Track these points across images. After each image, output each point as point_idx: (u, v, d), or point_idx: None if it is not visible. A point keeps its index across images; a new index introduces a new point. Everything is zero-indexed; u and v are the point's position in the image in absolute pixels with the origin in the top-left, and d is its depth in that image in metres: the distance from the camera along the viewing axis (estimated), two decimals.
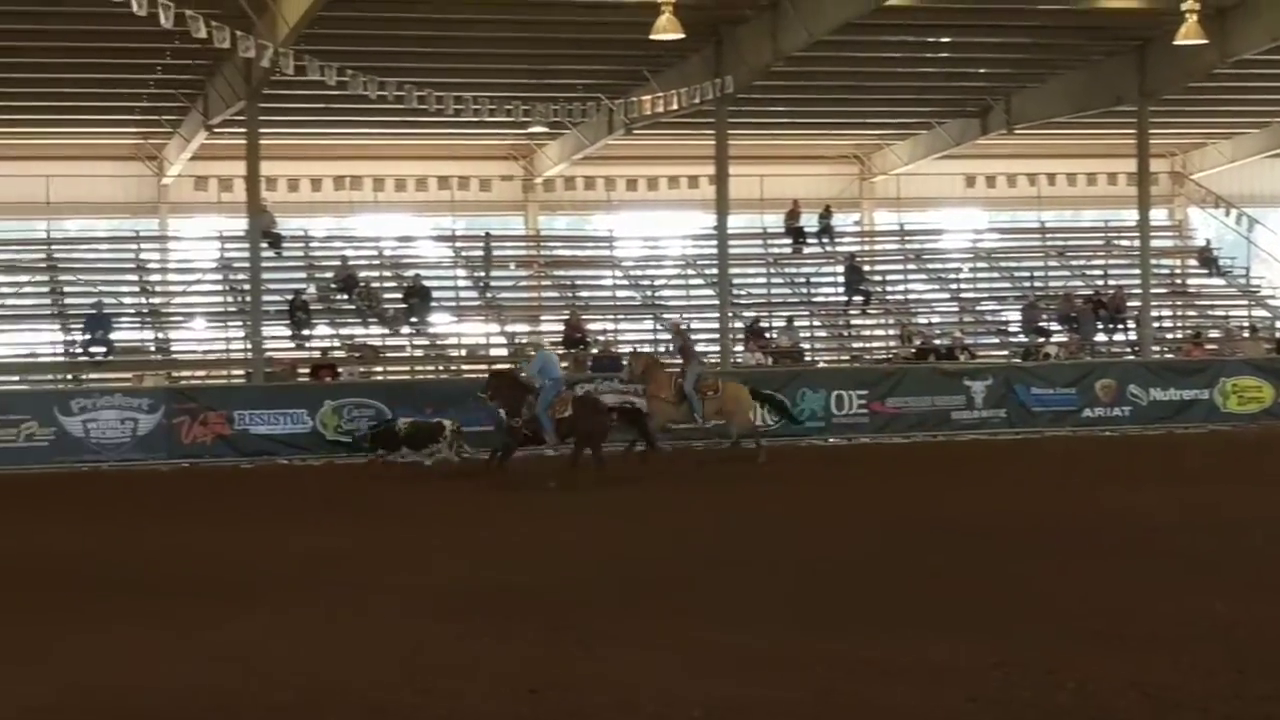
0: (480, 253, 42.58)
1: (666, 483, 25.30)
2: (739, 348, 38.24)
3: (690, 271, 43.27)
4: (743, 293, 41.55)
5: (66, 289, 39.07)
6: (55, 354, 37.14)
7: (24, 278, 39.72)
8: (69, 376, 35.60)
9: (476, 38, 34.86)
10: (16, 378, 36.16)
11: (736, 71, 33.88)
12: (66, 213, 42.95)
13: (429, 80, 30.46)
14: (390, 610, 13.87)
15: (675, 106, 33.46)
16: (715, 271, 38.15)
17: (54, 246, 41.49)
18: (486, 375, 28.41)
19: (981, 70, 40.37)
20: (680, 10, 29.08)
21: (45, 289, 39.45)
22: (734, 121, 36.81)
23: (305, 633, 12.93)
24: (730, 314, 37.57)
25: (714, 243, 38.07)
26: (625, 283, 43.28)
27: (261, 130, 34.14)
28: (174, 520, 21.73)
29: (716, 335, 37.19)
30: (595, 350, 37.07)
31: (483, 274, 42.30)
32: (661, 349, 36.87)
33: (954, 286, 44.92)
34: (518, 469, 25.73)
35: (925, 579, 15.15)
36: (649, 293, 42.56)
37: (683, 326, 35.58)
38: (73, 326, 37.21)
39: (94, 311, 36.35)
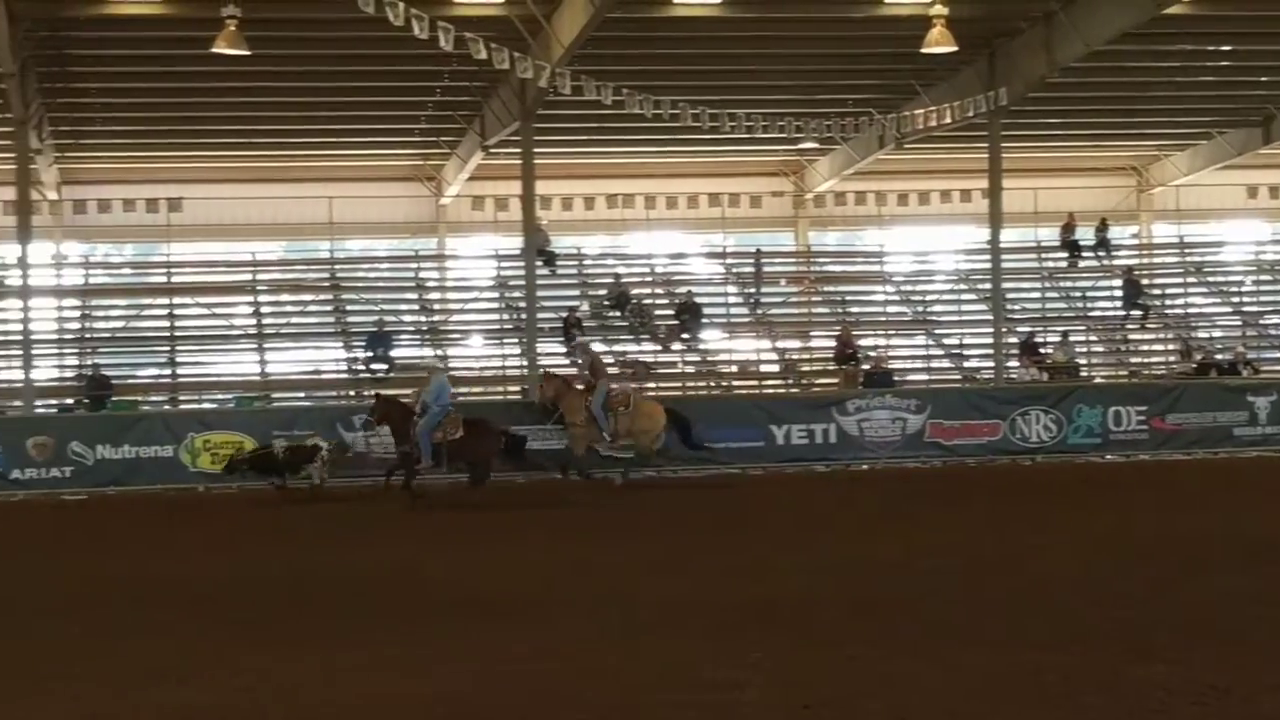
0: (751, 269, 42.66)
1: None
2: (1013, 363, 37.70)
3: (963, 286, 42.78)
4: (1017, 307, 40.98)
5: (349, 307, 40.16)
6: (338, 370, 38.22)
7: (308, 296, 40.94)
8: (351, 392, 36.62)
9: (748, 54, 35.01)
10: (302, 394, 37.35)
11: (1010, 83, 33.47)
12: (349, 233, 44.22)
13: (701, 98, 30.59)
14: (658, 625, 13.91)
15: (947, 120, 33.10)
16: (988, 286, 37.69)
17: (337, 266, 42.78)
18: (374, 399, 28.05)
19: (1263, 78, 39.21)
20: (953, 24, 28.83)
21: (329, 307, 40.60)
22: (1007, 134, 36.35)
23: (578, 649, 12.98)
24: (1004, 329, 37.07)
25: (987, 257, 37.62)
26: (896, 298, 42.94)
27: (536, 150, 34.74)
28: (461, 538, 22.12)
29: (990, 351, 36.71)
30: (866, 366, 36.84)
31: (753, 290, 42.36)
32: (935, 363, 36.55)
33: (1236, 300, 43.68)
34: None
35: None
36: (920, 308, 42.19)
37: (591, 344, 34.45)
38: (355, 344, 38.24)
39: (375, 329, 37.30)
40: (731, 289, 42.82)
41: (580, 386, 29.77)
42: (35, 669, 12.54)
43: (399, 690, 11.43)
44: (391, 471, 26.74)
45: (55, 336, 38.49)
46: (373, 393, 29.46)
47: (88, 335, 38.95)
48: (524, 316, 36.42)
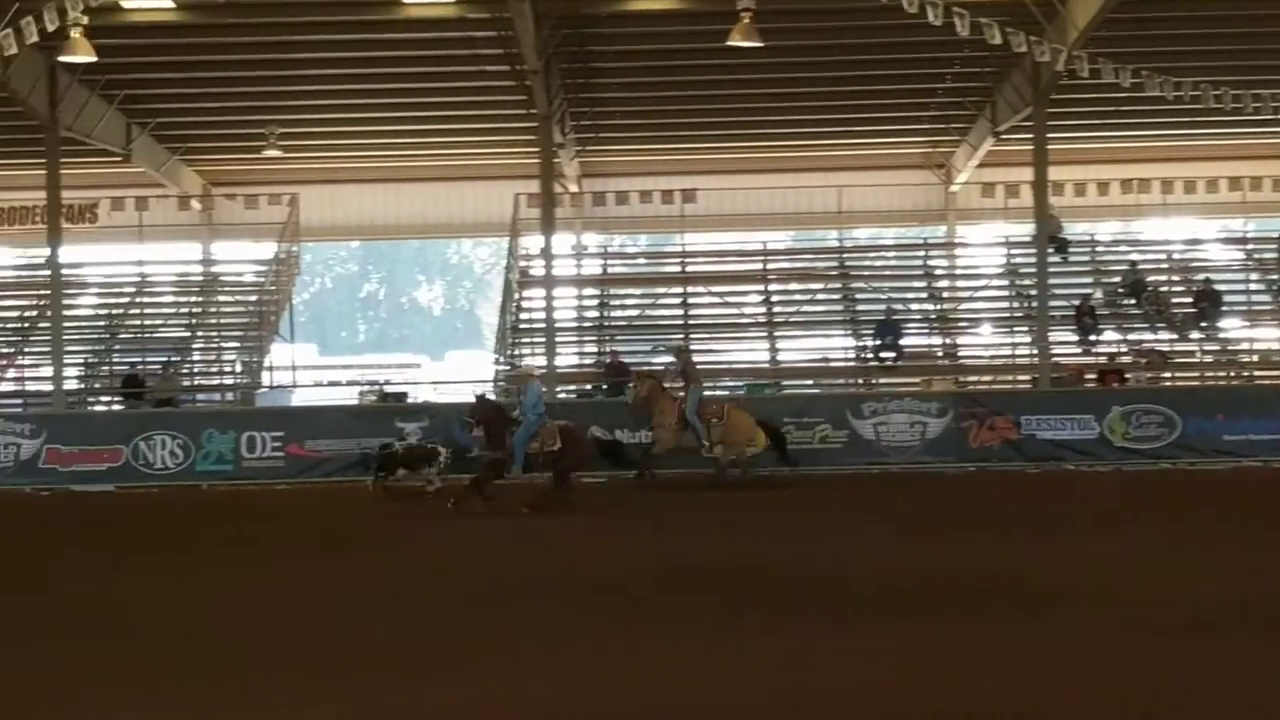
0: (1274, 255, 40.78)
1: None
2: None
3: None
4: None
5: (857, 295, 40.32)
6: (847, 359, 38.41)
7: (817, 285, 41.30)
8: (860, 380, 36.79)
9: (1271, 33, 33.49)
10: (810, 381, 37.75)
11: None
12: (857, 222, 44.43)
13: (1223, 78, 29.44)
14: (1167, 623, 13.48)
15: None
16: None
17: (845, 255, 43.02)
18: (474, 401, 26.31)
19: None
20: None
21: (837, 296, 40.85)
22: None
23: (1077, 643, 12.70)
24: None
25: None
26: None
27: (1049, 135, 34.10)
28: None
29: None
30: None
31: (1277, 277, 40.48)
32: None
33: None
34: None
35: None
36: None
37: (686, 349, 32.10)
38: (863, 332, 38.37)
39: (884, 317, 37.33)
40: (1253, 275, 41.00)
41: (673, 388, 28.63)
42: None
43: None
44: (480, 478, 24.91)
45: (575, 324, 39.98)
46: (476, 394, 28.10)
47: (606, 323, 40.35)
48: (1035, 305, 35.81)
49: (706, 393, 29.30)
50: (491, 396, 29.09)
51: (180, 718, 10.84)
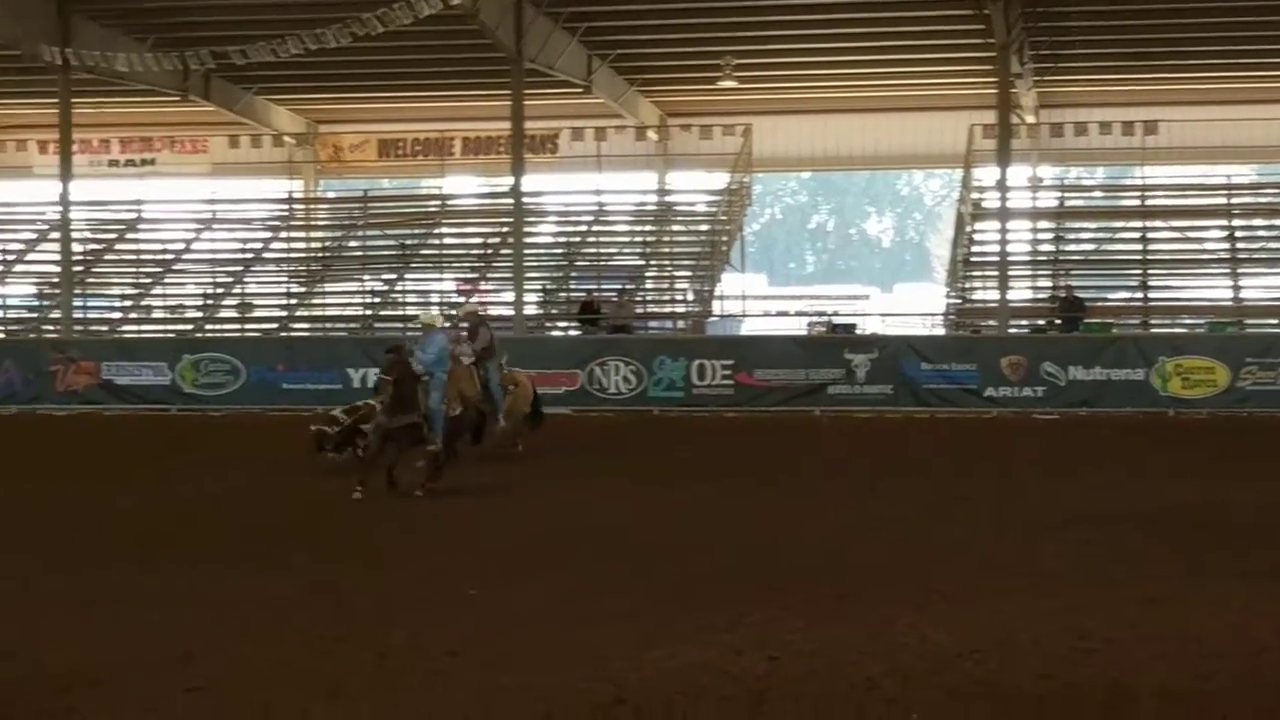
0: None
1: None
2: None
3: None
4: None
5: None
6: None
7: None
8: None
9: None
10: (1275, 321, 36.17)
11: None
12: None
13: None
14: None
15: None
16: None
17: None
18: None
19: None
20: None
21: None
22: None
23: None
24: None
25: None
26: None
27: None
28: None
29: None
30: None
31: None
32: None
33: None
34: None
35: None
36: None
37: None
38: None
39: None
40: None
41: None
42: None
43: None
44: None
45: (1029, 258, 39.20)
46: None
47: (1061, 257, 39.44)
48: None
49: None
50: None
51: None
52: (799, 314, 45.84)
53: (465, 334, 23.17)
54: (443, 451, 20.01)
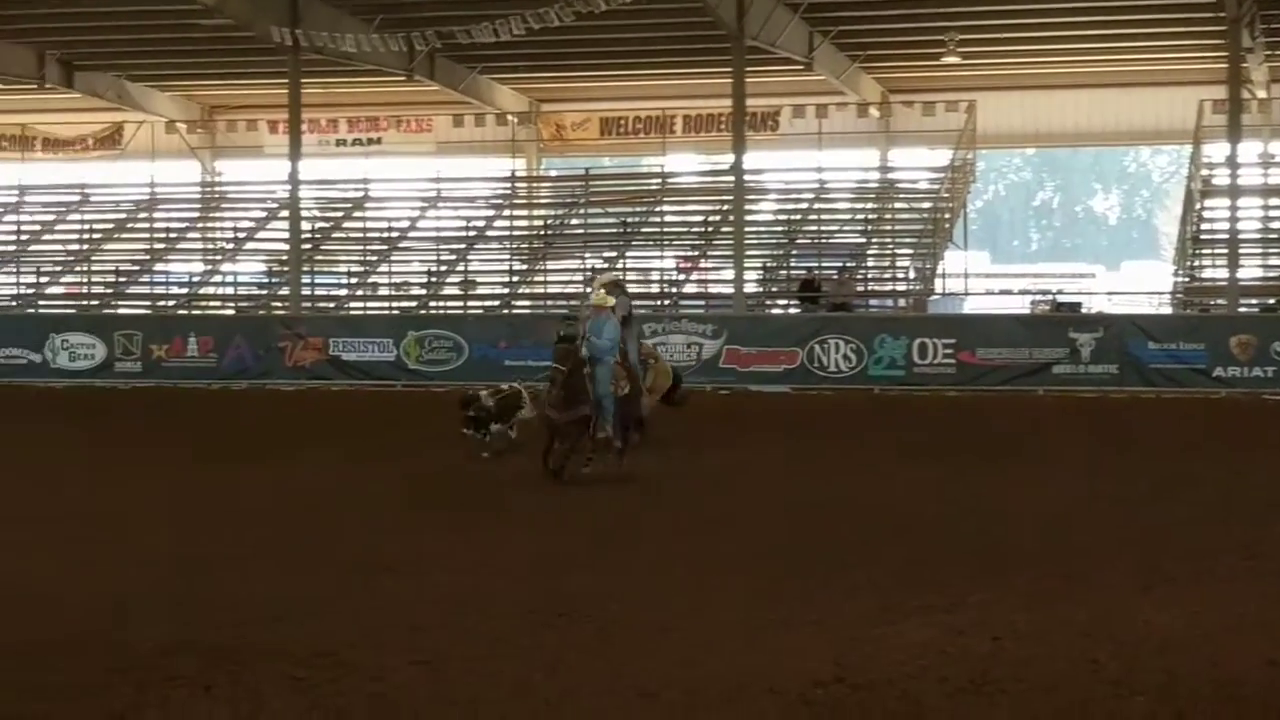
0: None
1: None
2: None
3: None
4: None
5: None
6: None
7: None
8: None
9: None
10: None
11: None
12: None
13: None
14: None
15: None
16: None
17: None
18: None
19: None
20: None
21: None
22: None
23: None
24: None
25: None
26: None
27: None
28: None
29: None
30: None
31: None
32: None
33: None
34: None
35: None
36: None
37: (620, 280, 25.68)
38: None
39: None
40: None
41: None
42: None
43: None
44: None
45: (1260, 236, 38.16)
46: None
47: None
48: None
49: None
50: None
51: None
52: (1022, 292, 45.14)
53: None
54: (621, 435, 19.13)
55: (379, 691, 9.69)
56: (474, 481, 19.12)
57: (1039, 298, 39.86)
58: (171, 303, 40.74)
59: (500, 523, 16.04)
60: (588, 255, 40.93)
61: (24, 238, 44.70)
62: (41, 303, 41.00)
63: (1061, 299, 38.36)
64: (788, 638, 10.74)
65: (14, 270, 42.41)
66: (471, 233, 42.78)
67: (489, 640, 10.80)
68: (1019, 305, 41.00)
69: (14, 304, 40.68)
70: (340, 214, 44.15)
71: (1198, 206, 38.13)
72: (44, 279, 42.26)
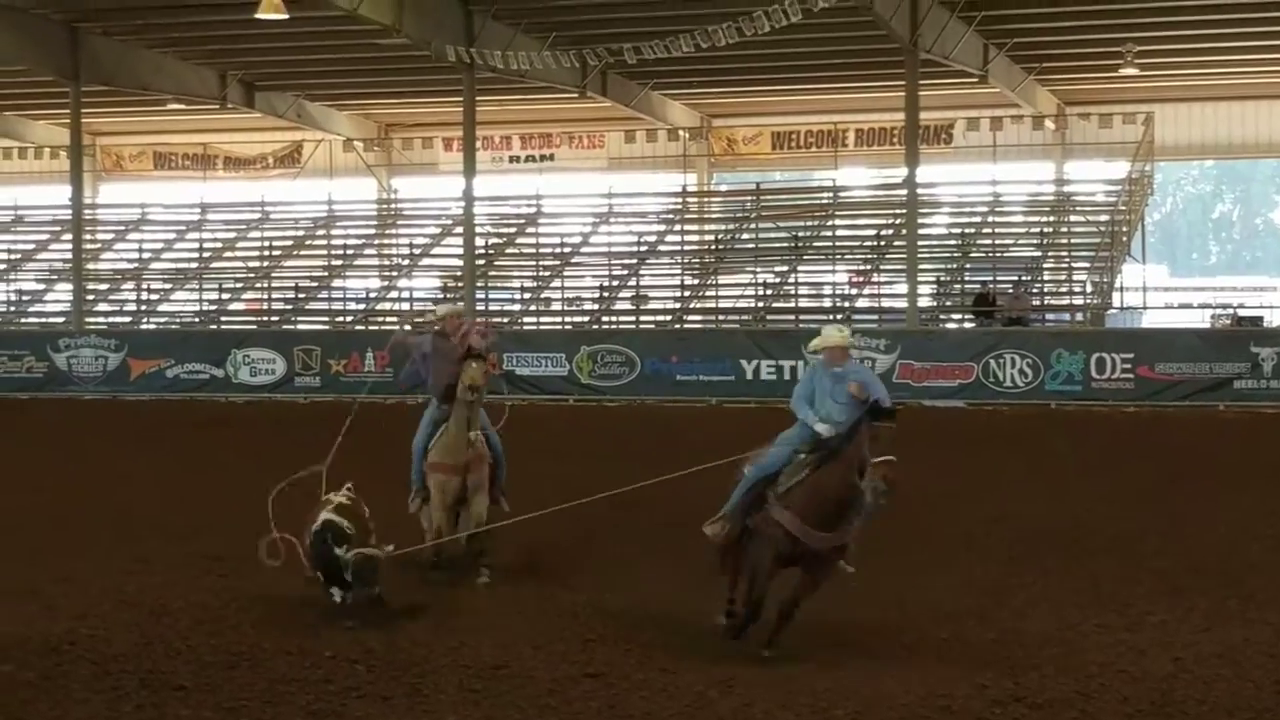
0: None
1: None
2: None
3: None
4: None
5: None
6: None
7: None
8: None
9: None
10: None
11: None
12: None
13: None
14: None
15: None
16: None
17: None
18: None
19: None
20: None
21: None
22: None
23: None
24: None
25: None
26: None
27: None
28: None
29: None
30: None
31: None
32: None
33: None
34: None
35: None
36: None
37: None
38: None
39: None
40: None
41: None
42: None
43: None
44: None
45: None
46: None
47: None
48: None
49: None
50: None
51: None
52: (1202, 306, 44.30)
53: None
54: None
55: (552, 705, 9.77)
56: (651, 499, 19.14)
57: (1219, 311, 39.10)
58: (349, 318, 41.38)
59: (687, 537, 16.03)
60: (759, 270, 40.87)
61: (206, 255, 45.65)
62: (224, 319, 41.86)
63: (1242, 313, 37.59)
64: (964, 656, 10.65)
65: (197, 287, 43.31)
66: (643, 248, 42.93)
67: (664, 654, 10.84)
68: (1198, 319, 40.22)
69: (197, 320, 41.58)
70: (513, 230, 44.54)
71: None
72: (225, 295, 43.11)
